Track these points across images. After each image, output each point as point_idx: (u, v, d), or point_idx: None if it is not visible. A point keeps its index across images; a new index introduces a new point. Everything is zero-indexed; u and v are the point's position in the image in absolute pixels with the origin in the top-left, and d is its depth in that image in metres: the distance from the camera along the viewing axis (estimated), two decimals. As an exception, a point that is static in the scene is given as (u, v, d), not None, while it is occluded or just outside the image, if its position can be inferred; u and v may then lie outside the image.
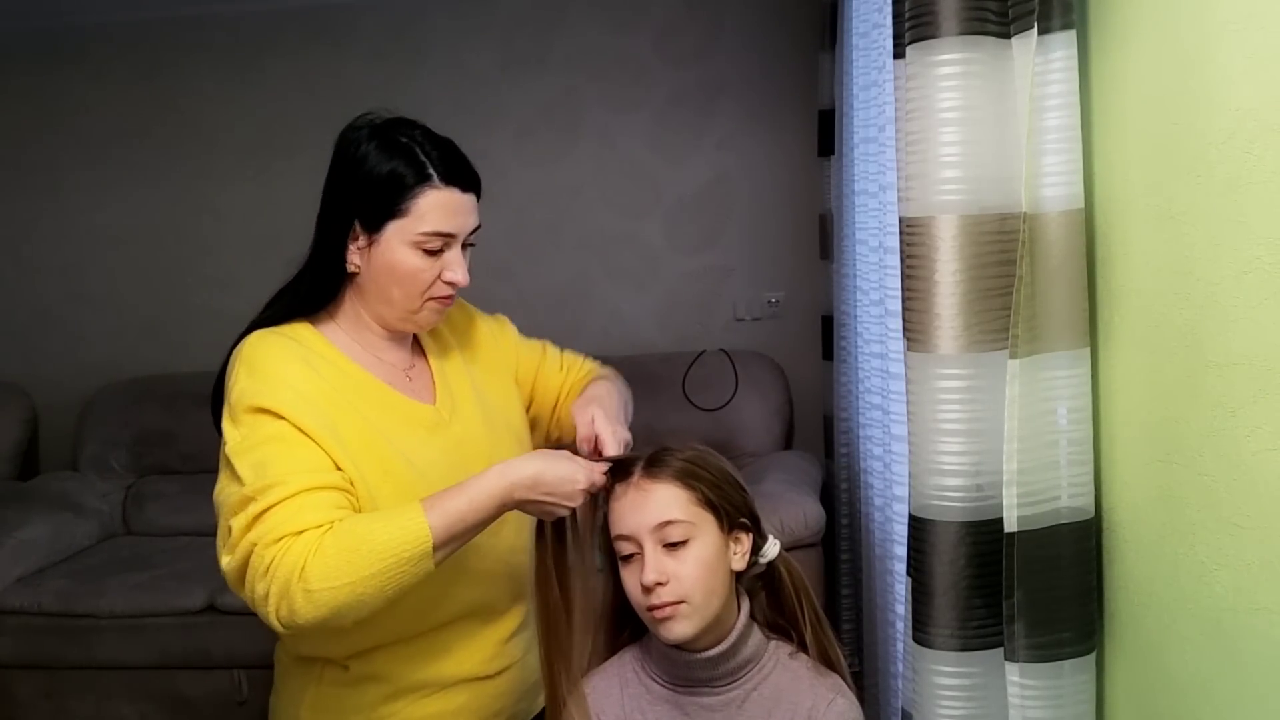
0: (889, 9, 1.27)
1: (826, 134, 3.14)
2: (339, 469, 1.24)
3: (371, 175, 1.30)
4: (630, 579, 1.22)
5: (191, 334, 4.00)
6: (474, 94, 3.76)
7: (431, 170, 1.30)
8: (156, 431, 3.78)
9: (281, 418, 1.23)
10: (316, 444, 1.23)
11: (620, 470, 1.26)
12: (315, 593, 1.15)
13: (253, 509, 1.18)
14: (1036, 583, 1.05)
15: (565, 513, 1.28)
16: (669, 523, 1.21)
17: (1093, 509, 1.08)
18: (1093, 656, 1.09)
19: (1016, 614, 1.06)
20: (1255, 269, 0.79)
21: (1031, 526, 1.05)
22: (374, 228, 1.31)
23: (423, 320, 1.38)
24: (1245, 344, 0.81)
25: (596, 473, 1.26)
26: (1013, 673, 1.07)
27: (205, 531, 3.82)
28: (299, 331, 1.36)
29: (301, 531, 1.17)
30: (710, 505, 1.23)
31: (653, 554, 1.20)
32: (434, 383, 1.44)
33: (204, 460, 3.74)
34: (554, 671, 1.29)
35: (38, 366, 4.03)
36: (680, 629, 1.20)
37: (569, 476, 1.25)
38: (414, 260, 1.31)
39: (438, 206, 1.30)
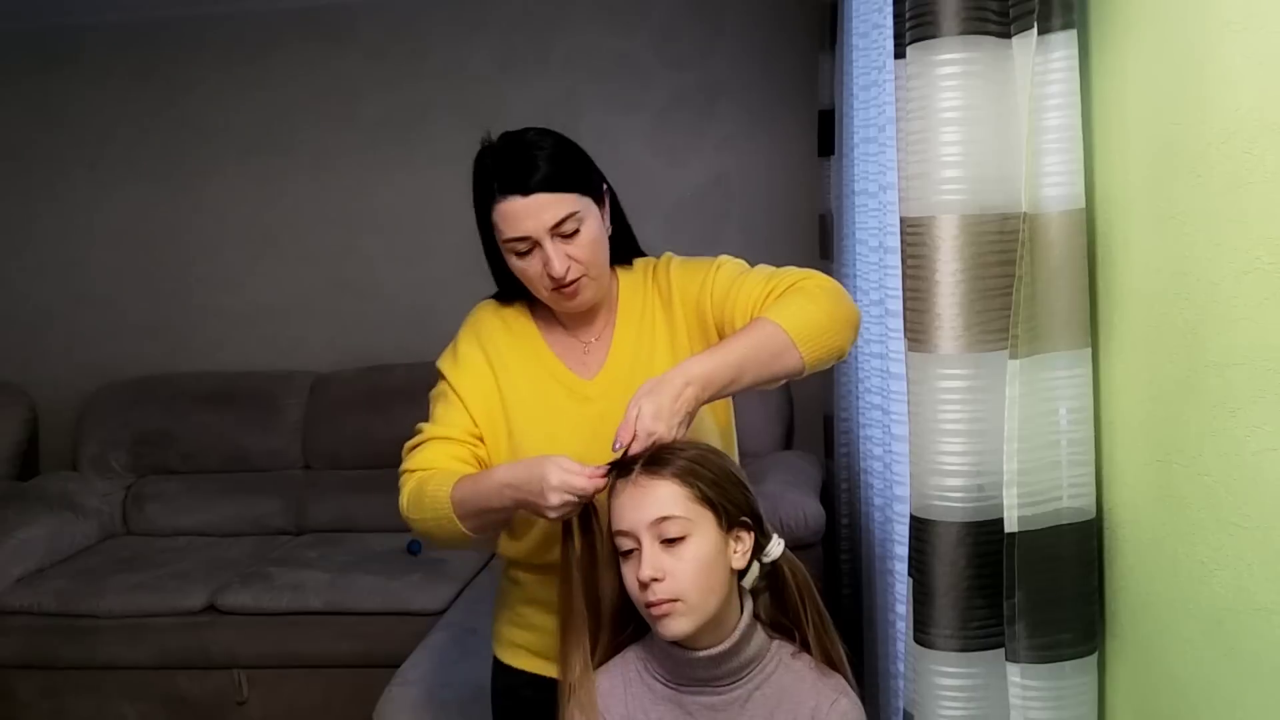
0: (889, 9, 1.27)
1: (826, 134, 3.14)
2: (475, 425, 1.49)
3: (473, 196, 1.46)
4: (629, 575, 1.23)
5: (191, 334, 4.01)
6: (474, 94, 3.76)
7: (494, 184, 1.40)
8: (156, 431, 3.78)
9: (445, 379, 1.52)
10: (464, 406, 1.49)
11: (622, 467, 1.26)
12: (409, 520, 1.45)
13: (411, 442, 1.50)
14: (1037, 583, 1.05)
15: (551, 514, 1.27)
16: (665, 519, 1.21)
17: (1093, 509, 1.08)
18: (1094, 657, 1.09)
19: (1017, 614, 1.06)
20: (1255, 269, 0.79)
21: (1032, 527, 1.05)
22: (492, 239, 1.46)
23: (563, 306, 1.48)
24: (1245, 344, 0.81)
25: (576, 478, 1.24)
26: (1014, 673, 1.07)
27: (205, 531, 3.86)
28: (512, 308, 1.56)
29: (414, 471, 1.47)
30: (709, 502, 1.23)
31: (650, 550, 1.20)
32: (608, 358, 1.51)
33: (203, 460, 3.78)
34: (569, 658, 1.31)
35: (38, 366, 4.03)
36: (677, 626, 1.21)
37: (536, 479, 1.26)
38: (516, 262, 1.44)
39: (504, 216, 1.40)
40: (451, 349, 1.54)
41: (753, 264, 1.50)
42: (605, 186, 1.50)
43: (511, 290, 1.53)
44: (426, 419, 1.53)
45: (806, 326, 1.35)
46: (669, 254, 1.57)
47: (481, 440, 1.49)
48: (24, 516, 3.41)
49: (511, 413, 1.49)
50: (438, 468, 1.45)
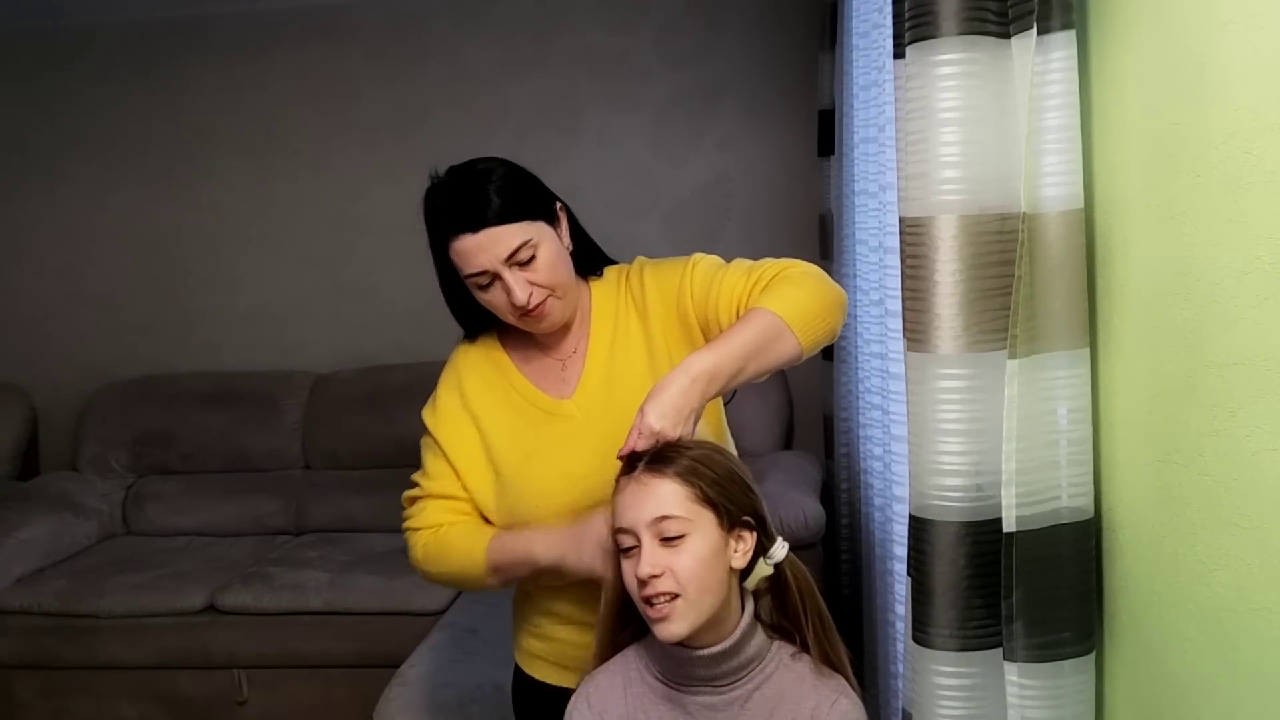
0: (889, 9, 1.27)
1: (826, 134, 3.14)
2: (459, 476, 1.52)
3: (428, 237, 1.47)
4: (629, 572, 1.23)
5: (191, 334, 4.01)
6: (474, 94, 3.76)
7: (447, 224, 1.42)
8: (156, 431, 3.79)
9: (426, 429, 1.55)
10: (446, 457, 1.52)
11: (626, 465, 1.26)
12: (426, 573, 1.53)
13: (409, 494, 1.56)
14: (1036, 583, 1.05)
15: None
16: (665, 518, 1.21)
17: (1092, 509, 1.08)
18: (1092, 656, 1.09)
19: (1015, 614, 1.06)
20: (1255, 269, 0.79)
21: (1031, 526, 1.05)
22: (449, 279, 1.49)
23: (533, 329, 1.48)
24: (1245, 344, 0.81)
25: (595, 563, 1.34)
26: (1012, 673, 1.07)
27: (205, 531, 3.87)
28: (485, 341, 1.58)
29: (420, 529, 1.52)
30: (709, 502, 1.23)
31: (649, 547, 1.20)
32: (583, 372, 1.51)
33: (203, 460, 3.78)
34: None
35: (38, 366, 4.04)
36: (674, 628, 1.21)
37: (587, 559, 1.36)
38: (482, 295, 1.45)
39: (460, 254, 1.42)
40: (432, 398, 1.57)
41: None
42: (559, 205, 1.49)
43: (475, 325, 1.56)
44: (422, 421, 1.56)
45: (800, 312, 1.37)
46: (641, 259, 1.57)
47: (465, 488, 1.52)
48: (24, 516, 3.41)
49: (492, 447, 1.50)
50: (447, 523, 1.51)
